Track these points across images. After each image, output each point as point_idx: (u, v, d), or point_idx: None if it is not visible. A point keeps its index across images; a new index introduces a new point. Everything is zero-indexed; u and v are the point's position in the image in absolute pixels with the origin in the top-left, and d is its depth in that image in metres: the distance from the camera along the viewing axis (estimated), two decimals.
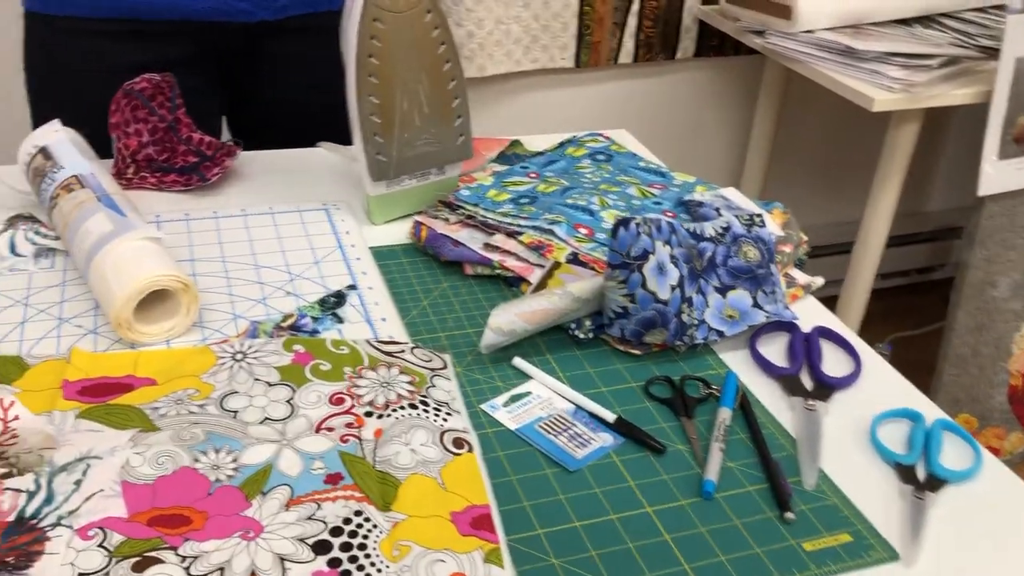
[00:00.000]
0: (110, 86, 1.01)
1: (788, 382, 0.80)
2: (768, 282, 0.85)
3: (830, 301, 1.19)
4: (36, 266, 0.86)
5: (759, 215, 0.87)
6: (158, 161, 1.06)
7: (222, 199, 1.02)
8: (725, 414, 0.75)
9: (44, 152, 0.92)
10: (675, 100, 2.19)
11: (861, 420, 0.77)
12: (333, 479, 0.65)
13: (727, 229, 0.85)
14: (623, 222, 0.79)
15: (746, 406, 0.77)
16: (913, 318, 2.51)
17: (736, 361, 0.83)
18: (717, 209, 0.93)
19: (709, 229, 0.84)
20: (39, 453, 0.64)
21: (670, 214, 0.97)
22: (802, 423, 0.76)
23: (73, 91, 1.10)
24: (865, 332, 1.98)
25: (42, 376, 0.72)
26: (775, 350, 0.85)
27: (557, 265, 0.87)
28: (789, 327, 0.87)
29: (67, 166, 0.89)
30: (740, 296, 0.84)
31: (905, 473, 0.71)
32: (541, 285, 0.85)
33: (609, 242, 0.80)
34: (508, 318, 0.78)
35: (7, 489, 0.61)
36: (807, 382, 0.81)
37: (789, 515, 0.66)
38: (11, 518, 0.59)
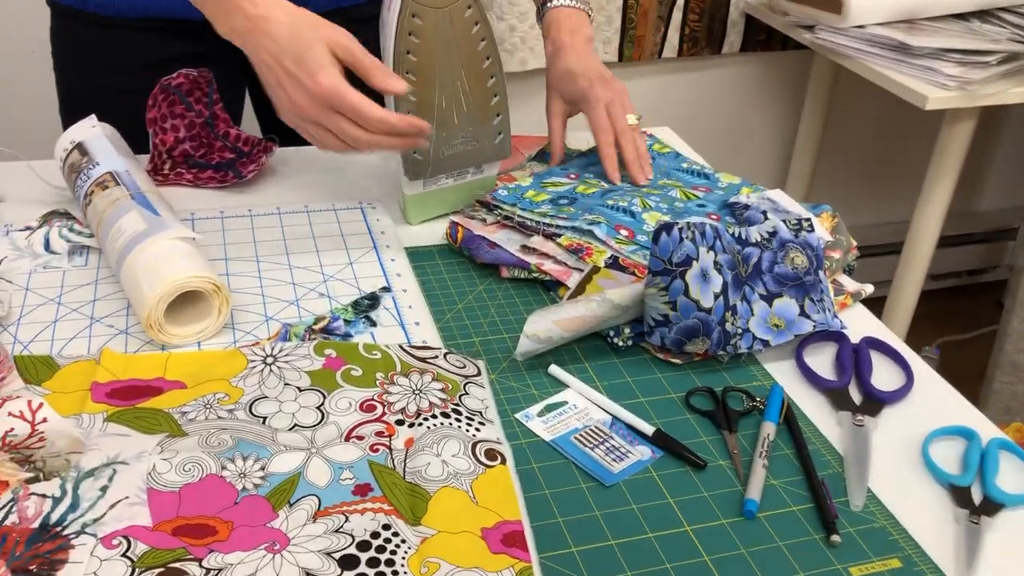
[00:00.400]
0: (141, 79, 1.00)
1: (836, 395, 0.77)
2: (816, 290, 0.82)
3: (878, 303, 1.15)
4: (70, 264, 0.85)
5: (807, 219, 0.83)
6: (194, 157, 1.05)
7: (258, 196, 1.00)
8: (769, 428, 0.72)
9: (80, 148, 0.91)
10: (720, 96, 2.15)
11: (912, 437, 0.73)
12: (362, 490, 0.63)
13: (774, 234, 0.82)
14: (665, 227, 0.76)
15: (791, 420, 0.74)
16: (963, 321, 2.44)
17: (781, 372, 0.80)
18: (764, 212, 0.90)
19: (755, 234, 0.81)
20: (66, 457, 0.63)
21: (714, 217, 0.94)
22: (850, 439, 0.72)
23: (100, 86, 1.09)
24: (913, 335, 1.92)
25: (72, 377, 0.71)
26: (822, 361, 0.82)
27: (596, 270, 0.85)
28: (837, 337, 0.83)
29: (102, 163, 0.88)
30: (786, 304, 0.80)
31: (959, 495, 0.68)
32: (579, 291, 0.83)
33: (650, 247, 0.77)
34: (545, 325, 0.75)
35: (32, 494, 0.60)
36: (856, 396, 0.77)
37: (835, 538, 0.63)
38: (35, 524, 0.58)
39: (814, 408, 0.76)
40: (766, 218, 0.88)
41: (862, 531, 0.65)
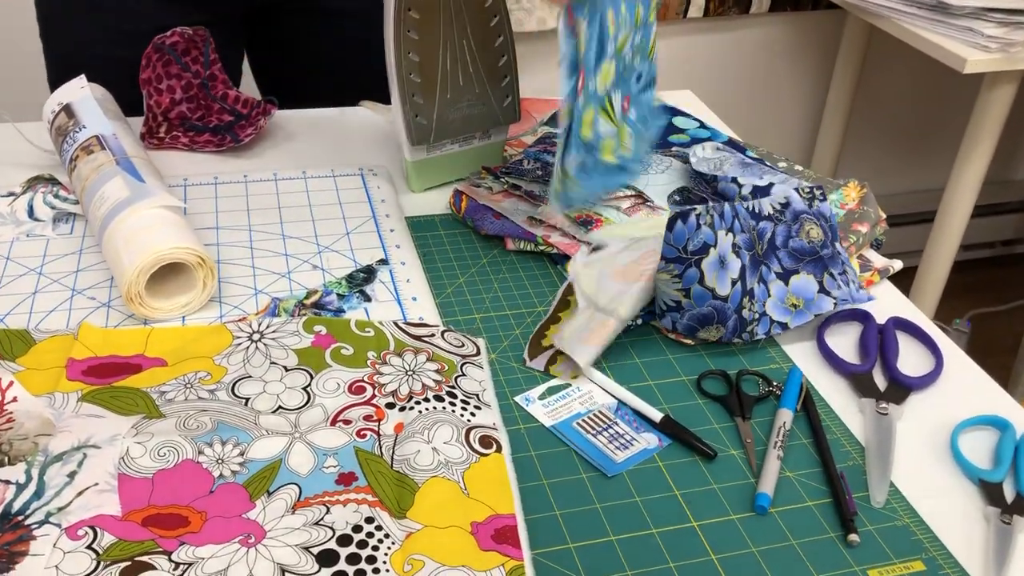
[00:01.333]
0: (137, 49, 0.95)
1: (858, 380, 0.72)
2: (835, 263, 0.76)
3: (907, 273, 1.09)
4: (54, 232, 0.81)
5: (819, 187, 0.78)
6: (191, 120, 1.00)
7: (254, 161, 0.96)
8: (786, 416, 0.67)
9: (67, 110, 0.87)
10: (746, 58, 2.07)
11: (940, 427, 0.68)
12: (346, 479, 0.59)
13: (786, 205, 0.76)
14: (681, 214, 0.71)
15: (810, 407, 0.69)
16: (995, 293, 2.36)
17: (801, 355, 0.75)
18: (734, 179, 0.84)
19: (767, 206, 0.76)
20: (34, 440, 0.60)
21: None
22: (873, 429, 0.68)
23: (93, 54, 1.04)
24: (943, 307, 1.86)
25: (48, 353, 0.67)
26: (845, 343, 0.76)
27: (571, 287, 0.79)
28: (862, 317, 0.78)
29: (89, 126, 0.84)
30: (804, 282, 0.75)
31: (990, 492, 0.63)
32: (563, 304, 0.77)
33: (664, 235, 0.72)
34: (591, 352, 0.69)
35: None
36: (880, 381, 0.72)
37: (853, 537, 0.59)
38: None
39: (835, 394, 0.71)
40: (739, 184, 0.82)
41: (883, 530, 0.60)
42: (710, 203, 0.72)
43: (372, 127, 1.04)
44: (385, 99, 0.99)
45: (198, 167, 0.94)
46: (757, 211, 0.75)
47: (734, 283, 0.71)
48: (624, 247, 0.77)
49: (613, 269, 0.74)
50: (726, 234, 0.71)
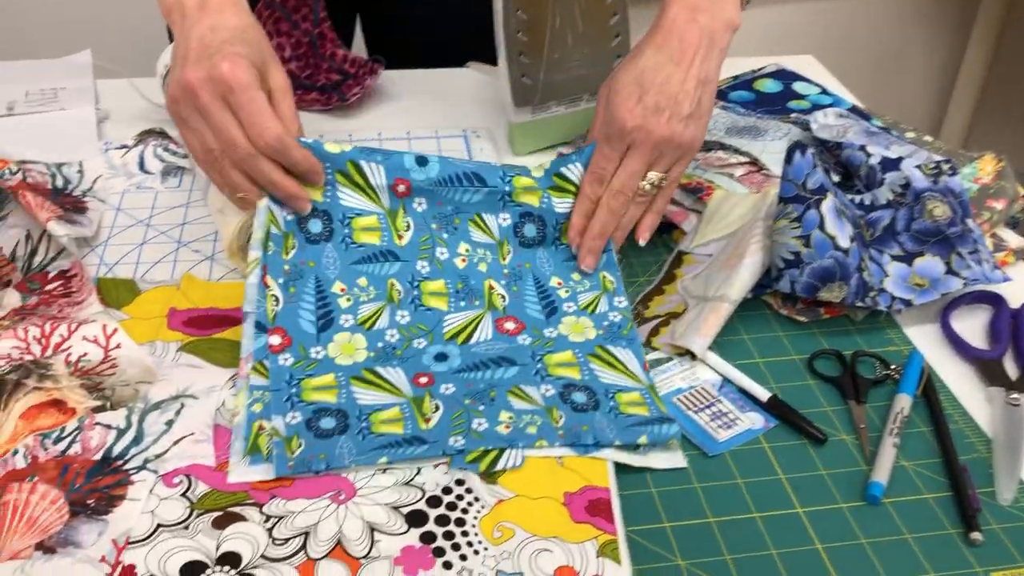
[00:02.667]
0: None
1: (987, 367, 0.67)
2: (965, 242, 0.71)
3: None
4: (163, 185, 0.82)
5: (948, 161, 0.72)
6: (300, 78, 1.01)
7: (359, 121, 0.96)
8: (904, 401, 0.63)
9: None
10: (873, 22, 1.96)
11: None
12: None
13: (906, 186, 0.71)
14: (799, 146, 0.66)
15: (931, 394, 0.64)
16: None
17: (923, 337, 0.70)
18: (863, 147, 0.78)
19: (885, 194, 0.70)
20: (135, 387, 0.61)
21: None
22: (1001, 420, 0.62)
23: None
24: None
25: (151, 303, 0.68)
26: (973, 327, 0.71)
27: (680, 256, 0.75)
28: (993, 300, 0.72)
29: None
30: (929, 264, 0.70)
31: None
32: (668, 277, 0.74)
33: (783, 169, 0.68)
34: (704, 342, 0.66)
35: (97, 424, 0.58)
36: (1011, 369, 0.67)
37: (976, 535, 0.55)
38: (97, 456, 0.56)
39: (960, 381, 0.66)
40: (867, 153, 0.76)
41: (1010, 529, 0.55)
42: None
43: (478, 89, 1.02)
44: (494, 61, 0.97)
45: (305, 125, 0.94)
46: (871, 203, 0.70)
47: (852, 240, 0.66)
48: (723, 246, 0.73)
49: (717, 267, 0.71)
50: (832, 194, 0.67)
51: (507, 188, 0.71)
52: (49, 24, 1.68)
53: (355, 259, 0.68)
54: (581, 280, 0.70)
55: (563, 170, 0.71)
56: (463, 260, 0.69)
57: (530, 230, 0.71)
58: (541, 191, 0.72)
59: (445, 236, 0.70)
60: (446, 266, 0.69)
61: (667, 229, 0.80)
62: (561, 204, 0.72)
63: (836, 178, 0.80)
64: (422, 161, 0.69)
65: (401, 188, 0.69)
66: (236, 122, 0.63)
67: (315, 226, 0.68)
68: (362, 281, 0.67)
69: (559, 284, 0.70)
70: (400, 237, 0.69)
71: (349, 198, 0.69)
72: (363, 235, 0.68)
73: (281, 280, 0.65)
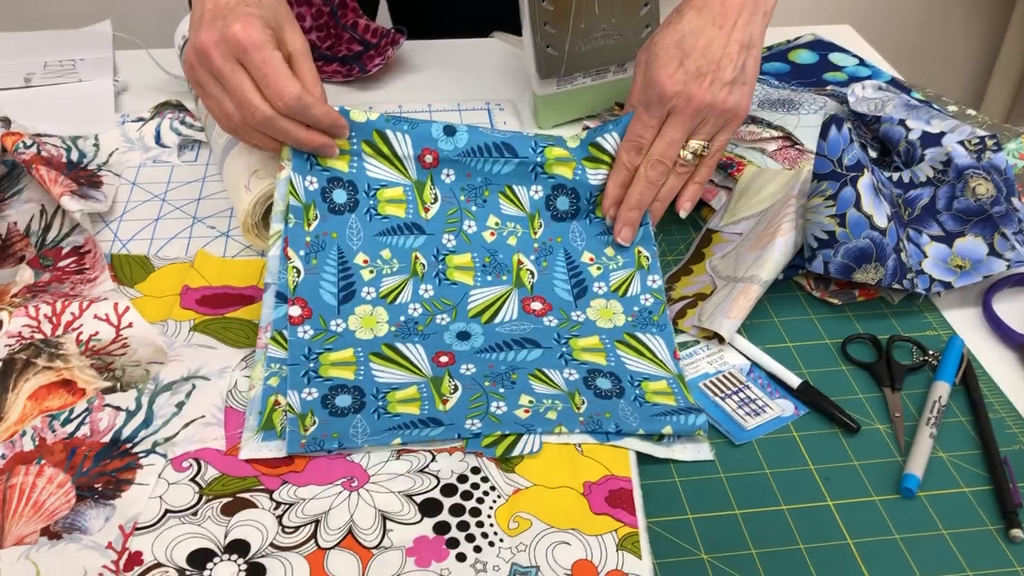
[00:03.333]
0: None
1: None
2: (1009, 221, 0.67)
3: None
4: (179, 159, 0.81)
5: (993, 136, 0.68)
6: (320, 49, 0.98)
7: (380, 93, 0.93)
8: (942, 389, 0.60)
9: None
10: None
11: None
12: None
13: (948, 163, 0.67)
14: (835, 120, 0.63)
15: (971, 382, 0.62)
16: None
17: (963, 322, 0.67)
18: (902, 121, 0.74)
19: (925, 171, 0.67)
20: (146, 367, 0.59)
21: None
22: None
23: None
24: None
25: (164, 280, 0.67)
26: (1016, 311, 0.68)
27: (709, 235, 0.72)
28: None
29: None
30: (971, 244, 0.67)
31: None
32: (696, 256, 0.71)
33: (817, 144, 0.65)
34: (732, 325, 0.64)
35: (107, 406, 0.57)
36: None
37: (1016, 532, 0.52)
38: (106, 439, 0.55)
39: (1001, 368, 0.63)
40: (907, 128, 0.73)
41: None
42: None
43: (502, 60, 0.99)
44: (520, 32, 0.94)
45: None
46: (910, 180, 0.66)
47: (889, 220, 0.63)
48: (754, 224, 0.70)
49: (747, 247, 0.68)
50: (869, 171, 0.64)
51: (539, 159, 0.69)
52: None
53: (379, 231, 0.66)
54: (615, 256, 0.68)
55: (599, 140, 0.68)
56: (492, 233, 0.67)
57: (563, 203, 0.69)
58: (575, 162, 0.69)
59: (474, 209, 0.68)
60: (473, 239, 0.67)
61: (696, 206, 0.77)
62: (596, 176, 0.69)
63: (873, 154, 0.77)
64: (450, 131, 0.67)
65: (428, 159, 0.67)
66: (252, 84, 0.63)
67: (340, 196, 0.66)
68: (385, 253, 0.65)
69: (591, 260, 0.67)
70: (426, 210, 0.67)
71: (375, 169, 0.67)
72: (388, 207, 0.67)
73: (302, 252, 0.63)
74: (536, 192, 0.69)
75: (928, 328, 0.66)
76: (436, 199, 0.67)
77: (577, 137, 0.70)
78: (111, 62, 0.94)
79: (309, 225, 0.65)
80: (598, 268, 0.67)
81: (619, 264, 0.67)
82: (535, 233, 0.68)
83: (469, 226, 0.67)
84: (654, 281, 0.66)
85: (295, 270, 0.63)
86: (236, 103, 0.63)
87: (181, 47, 0.88)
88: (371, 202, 0.66)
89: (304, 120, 0.64)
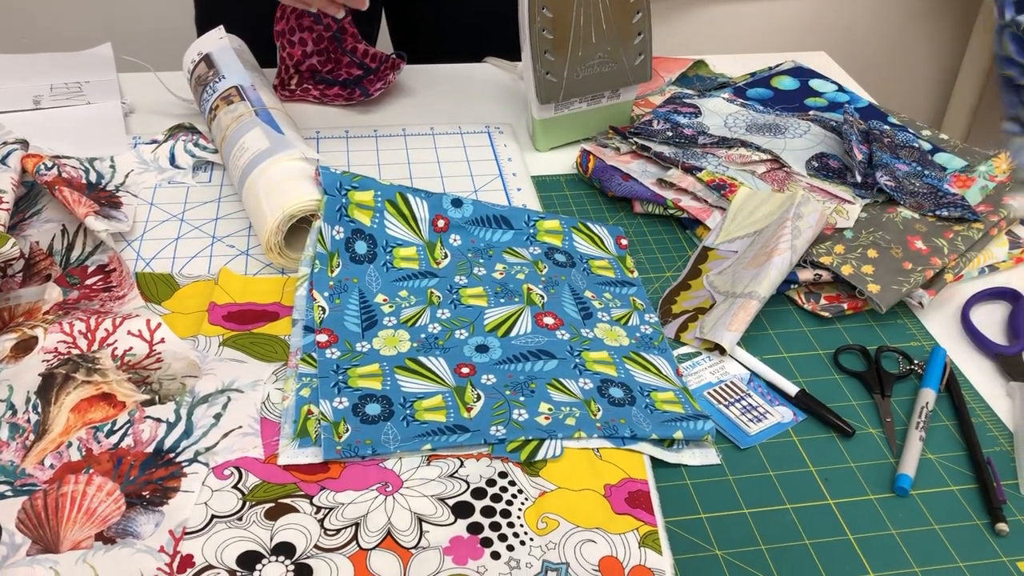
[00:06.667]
0: None
1: (1007, 363, 0.69)
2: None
3: None
4: (194, 179, 0.83)
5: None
6: (321, 73, 1.02)
7: (383, 116, 0.97)
8: (928, 396, 0.65)
9: (207, 60, 0.89)
10: (876, 16, 1.97)
11: None
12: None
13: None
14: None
15: (954, 388, 0.66)
16: None
17: (944, 332, 0.72)
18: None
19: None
20: (182, 380, 0.62)
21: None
22: (1022, 414, 0.64)
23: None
24: None
25: (191, 298, 0.70)
26: (993, 322, 0.73)
27: (705, 252, 0.77)
28: (1011, 296, 0.74)
29: (228, 76, 0.85)
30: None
31: None
32: (693, 272, 0.75)
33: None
34: (732, 337, 0.68)
35: (147, 418, 0.59)
36: None
37: (1001, 526, 0.57)
38: (150, 449, 0.57)
39: (981, 376, 0.68)
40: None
41: None
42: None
43: (496, 84, 1.03)
44: (513, 56, 0.98)
45: (328, 120, 0.95)
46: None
47: None
48: (749, 243, 0.75)
49: (744, 264, 0.72)
50: None
51: (531, 231, 0.76)
52: (64, 16, 1.68)
53: (395, 278, 0.71)
54: (612, 299, 0.72)
55: (589, 223, 0.78)
56: (500, 273, 0.72)
57: (560, 257, 0.75)
58: (563, 233, 0.77)
59: (481, 261, 0.74)
60: (483, 278, 0.72)
61: (691, 225, 0.82)
62: (583, 246, 0.77)
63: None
64: (457, 203, 0.76)
65: (440, 224, 0.74)
66: None
67: (361, 247, 0.71)
68: (403, 293, 0.70)
69: (592, 297, 0.72)
70: (437, 263, 0.73)
71: (393, 227, 0.73)
72: (402, 263, 0.72)
73: (327, 294, 0.68)
74: (534, 251, 0.75)
75: (912, 339, 0.71)
76: (446, 256, 0.74)
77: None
78: (116, 84, 0.97)
79: (332, 271, 0.70)
80: (600, 303, 0.71)
81: (617, 305, 0.72)
82: (540, 271, 0.73)
83: (478, 271, 0.72)
84: (651, 318, 0.71)
85: (320, 308, 0.67)
86: None
87: (191, 71, 0.91)
88: (387, 257, 0.72)
89: None
